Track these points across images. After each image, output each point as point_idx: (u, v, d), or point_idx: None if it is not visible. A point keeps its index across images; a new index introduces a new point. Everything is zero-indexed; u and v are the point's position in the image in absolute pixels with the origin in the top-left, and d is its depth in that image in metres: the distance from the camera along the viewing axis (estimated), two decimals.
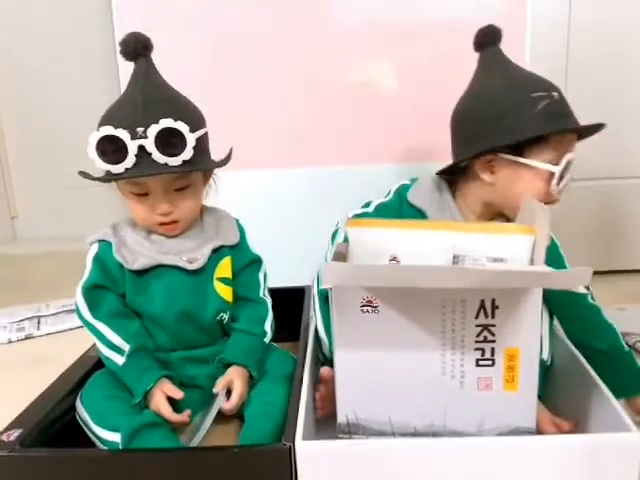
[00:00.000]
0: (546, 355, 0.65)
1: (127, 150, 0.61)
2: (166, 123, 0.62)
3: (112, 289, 0.70)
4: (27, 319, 1.12)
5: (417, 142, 1.04)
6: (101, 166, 0.63)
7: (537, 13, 1.04)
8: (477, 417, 0.52)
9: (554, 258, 0.61)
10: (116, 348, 0.67)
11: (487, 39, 0.72)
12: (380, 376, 0.52)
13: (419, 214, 0.71)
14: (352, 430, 0.54)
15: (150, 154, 0.62)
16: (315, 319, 0.75)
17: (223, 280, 0.73)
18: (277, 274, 0.83)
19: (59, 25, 1.59)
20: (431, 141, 0.93)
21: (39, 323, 1.11)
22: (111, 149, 0.62)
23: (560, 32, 1.19)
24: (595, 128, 0.68)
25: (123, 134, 0.61)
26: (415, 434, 0.53)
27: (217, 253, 0.72)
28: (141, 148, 0.61)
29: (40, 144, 1.70)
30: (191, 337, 0.71)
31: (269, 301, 0.78)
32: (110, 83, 1.32)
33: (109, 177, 0.64)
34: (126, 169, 0.62)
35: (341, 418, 0.54)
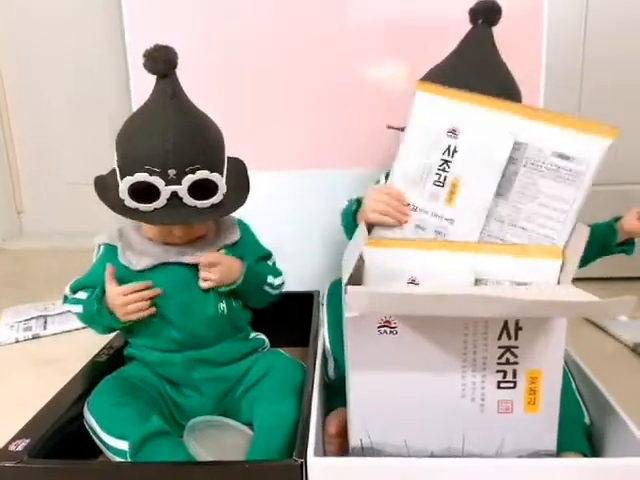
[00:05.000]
0: (588, 419, 0.61)
1: (159, 194, 0.62)
2: (202, 175, 0.62)
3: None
4: (34, 318, 1.12)
5: None
6: (130, 204, 0.63)
7: (553, 13, 1.01)
8: (496, 440, 0.50)
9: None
10: (78, 301, 0.70)
11: (480, 15, 0.70)
12: (396, 399, 0.50)
13: None
14: (366, 454, 0.53)
15: (181, 198, 0.62)
16: (323, 334, 0.74)
17: None
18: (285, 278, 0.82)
19: (68, 26, 1.58)
20: None
21: (46, 322, 1.11)
22: (143, 190, 0.62)
23: (576, 32, 1.17)
24: None
25: (157, 181, 0.61)
26: (432, 458, 0.51)
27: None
28: (173, 193, 0.62)
29: (46, 140, 1.69)
30: (199, 332, 0.70)
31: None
32: (118, 81, 1.31)
33: (136, 215, 0.64)
34: (155, 209, 0.63)
35: (355, 442, 0.52)
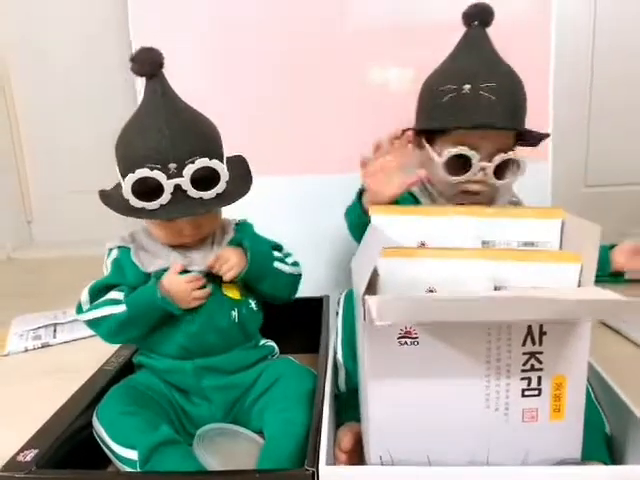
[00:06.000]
0: (608, 427, 0.60)
1: (163, 189, 0.61)
2: (202, 163, 0.62)
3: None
4: (43, 327, 1.11)
5: None
6: (135, 204, 0.63)
7: (561, 13, 1.00)
8: (521, 450, 0.48)
9: None
10: (114, 301, 0.67)
11: (475, 17, 0.71)
12: (418, 412, 0.48)
13: (413, 199, 0.76)
14: None
15: (185, 191, 0.62)
16: (335, 344, 0.72)
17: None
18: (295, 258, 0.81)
19: (78, 38, 1.60)
20: None
21: (55, 331, 1.10)
22: (146, 187, 0.62)
23: (585, 32, 1.16)
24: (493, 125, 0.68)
25: (159, 175, 0.61)
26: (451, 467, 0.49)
27: None
28: (177, 186, 0.62)
29: (56, 148, 1.70)
30: (210, 340, 0.69)
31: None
32: (126, 90, 1.32)
33: (142, 214, 0.63)
34: (161, 205, 0.62)
35: (374, 459, 0.50)
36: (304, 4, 1.01)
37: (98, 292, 0.69)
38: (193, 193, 0.62)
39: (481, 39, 0.72)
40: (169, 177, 0.61)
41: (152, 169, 0.61)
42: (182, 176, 0.61)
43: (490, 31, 0.73)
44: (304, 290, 0.83)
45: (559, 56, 0.98)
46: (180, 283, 0.65)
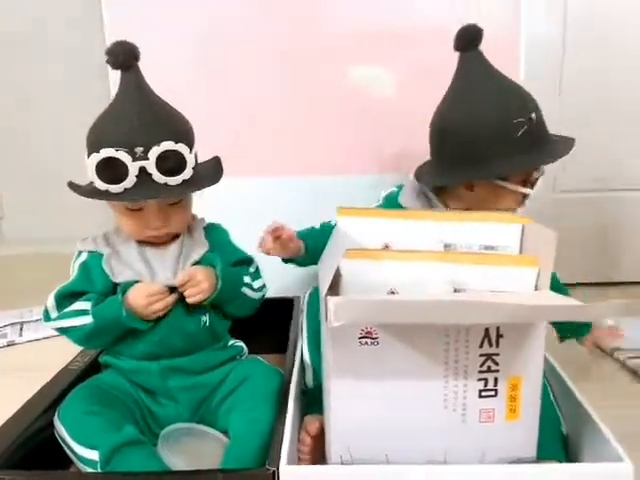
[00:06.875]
0: (564, 427, 0.61)
1: (127, 171, 0.61)
2: (167, 145, 0.62)
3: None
4: (9, 325, 1.09)
5: (411, 152, 1.03)
6: (100, 186, 0.62)
7: (530, 40, 1.03)
8: (478, 450, 0.49)
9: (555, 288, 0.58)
10: (81, 312, 0.66)
11: (469, 40, 0.70)
12: (378, 412, 0.49)
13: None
14: None
15: (150, 175, 0.62)
16: (302, 342, 0.72)
17: None
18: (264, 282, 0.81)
19: (45, 30, 1.57)
20: (425, 152, 0.92)
21: (22, 329, 1.08)
22: (111, 170, 0.61)
23: (554, 50, 1.19)
24: (569, 147, 0.70)
25: (124, 156, 0.60)
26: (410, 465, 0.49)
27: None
28: (142, 169, 0.61)
29: (26, 143, 1.67)
30: (178, 344, 0.69)
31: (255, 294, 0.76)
32: (98, 84, 1.30)
33: (106, 196, 0.63)
34: (125, 189, 0.62)
35: (335, 459, 0.51)
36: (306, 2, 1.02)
37: (63, 298, 0.68)
38: (158, 177, 0.62)
39: (485, 63, 0.71)
40: (134, 160, 0.61)
41: (117, 151, 0.60)
42: (147, 159, 0.61)
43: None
44: (275, 291, 0.83)
45: (528, 64, 1.01)
46: (140, 297, 0.64)
